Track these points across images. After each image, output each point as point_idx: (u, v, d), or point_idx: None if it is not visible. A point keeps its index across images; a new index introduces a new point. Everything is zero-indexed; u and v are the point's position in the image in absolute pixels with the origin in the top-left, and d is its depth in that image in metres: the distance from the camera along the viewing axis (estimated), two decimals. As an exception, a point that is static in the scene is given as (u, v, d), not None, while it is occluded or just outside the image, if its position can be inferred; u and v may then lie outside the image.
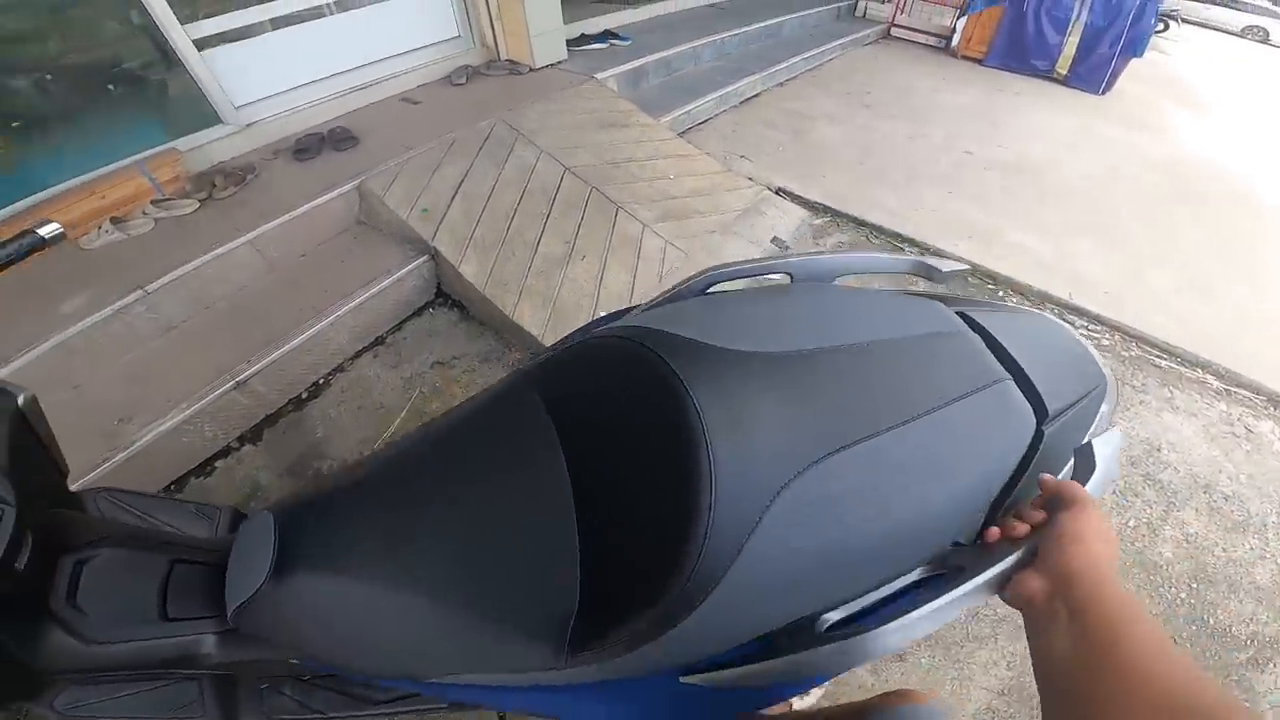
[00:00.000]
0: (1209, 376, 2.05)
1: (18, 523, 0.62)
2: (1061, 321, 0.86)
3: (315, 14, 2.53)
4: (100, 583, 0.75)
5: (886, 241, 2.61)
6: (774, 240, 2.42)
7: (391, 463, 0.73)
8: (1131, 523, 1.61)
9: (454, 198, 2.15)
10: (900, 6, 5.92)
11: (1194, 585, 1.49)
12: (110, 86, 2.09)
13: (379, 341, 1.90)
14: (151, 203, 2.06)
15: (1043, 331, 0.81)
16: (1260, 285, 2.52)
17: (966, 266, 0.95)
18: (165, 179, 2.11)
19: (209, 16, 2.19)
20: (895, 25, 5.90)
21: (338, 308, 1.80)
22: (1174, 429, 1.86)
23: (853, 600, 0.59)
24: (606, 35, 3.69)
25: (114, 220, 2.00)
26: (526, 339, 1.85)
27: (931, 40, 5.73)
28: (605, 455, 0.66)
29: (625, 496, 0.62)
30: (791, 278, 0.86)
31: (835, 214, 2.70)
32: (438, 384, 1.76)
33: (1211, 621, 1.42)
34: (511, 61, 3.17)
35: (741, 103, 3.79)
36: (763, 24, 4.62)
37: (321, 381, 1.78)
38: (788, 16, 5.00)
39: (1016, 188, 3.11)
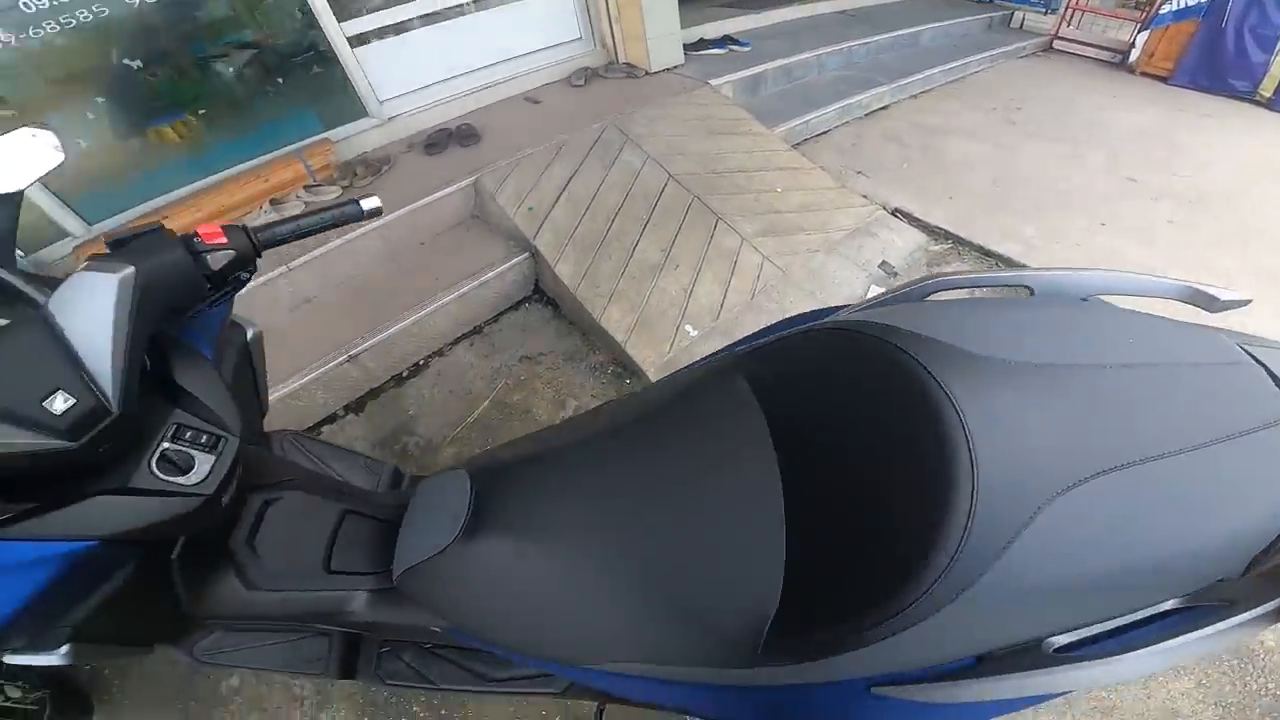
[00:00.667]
0: None
1: (234, 460, 0.65)
2: None
3: (457, 11, 2.72)
4: (278, 526, 0.80)
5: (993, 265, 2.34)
6: (882, 265, 2.24)
7: (591, 436, 0.73)
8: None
9: (559, 198, 2.22)
10: (1065, 18, 5.29)
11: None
12: (279, 79, 2.38)
13: (476, 331, 2.01)
14: (304, 188, 2.33)
15: None
16: None
17: (1249, 299, 0.77)
18: (318, 166, 2.38)
19: (361, 15, 2.43)
20: (1059, 38, 5.26)
21: (444, 296, 1.92)
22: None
23: (1086, 626, 0.54)
24: (725, 41, 3.63)
25: (273, 201, 2.28)
26: (610, 343, 1.86)
27: (1103, 55, 5.07)
28: (827, 450, 0.61)
29: (851, 496, 0.57)
30: (1031, 293, 0.75)
31: (958, 241, 2.44)
32: (522, 377, 1.83)
33: None
34: (629, 64, 3.21)
35: (866, 115, 3.56)
36: (897, 33, 4.31)
37: (421, 363, 1.91)
38: (928, 26, 4.62)
39: (1190, 224, 2.64)
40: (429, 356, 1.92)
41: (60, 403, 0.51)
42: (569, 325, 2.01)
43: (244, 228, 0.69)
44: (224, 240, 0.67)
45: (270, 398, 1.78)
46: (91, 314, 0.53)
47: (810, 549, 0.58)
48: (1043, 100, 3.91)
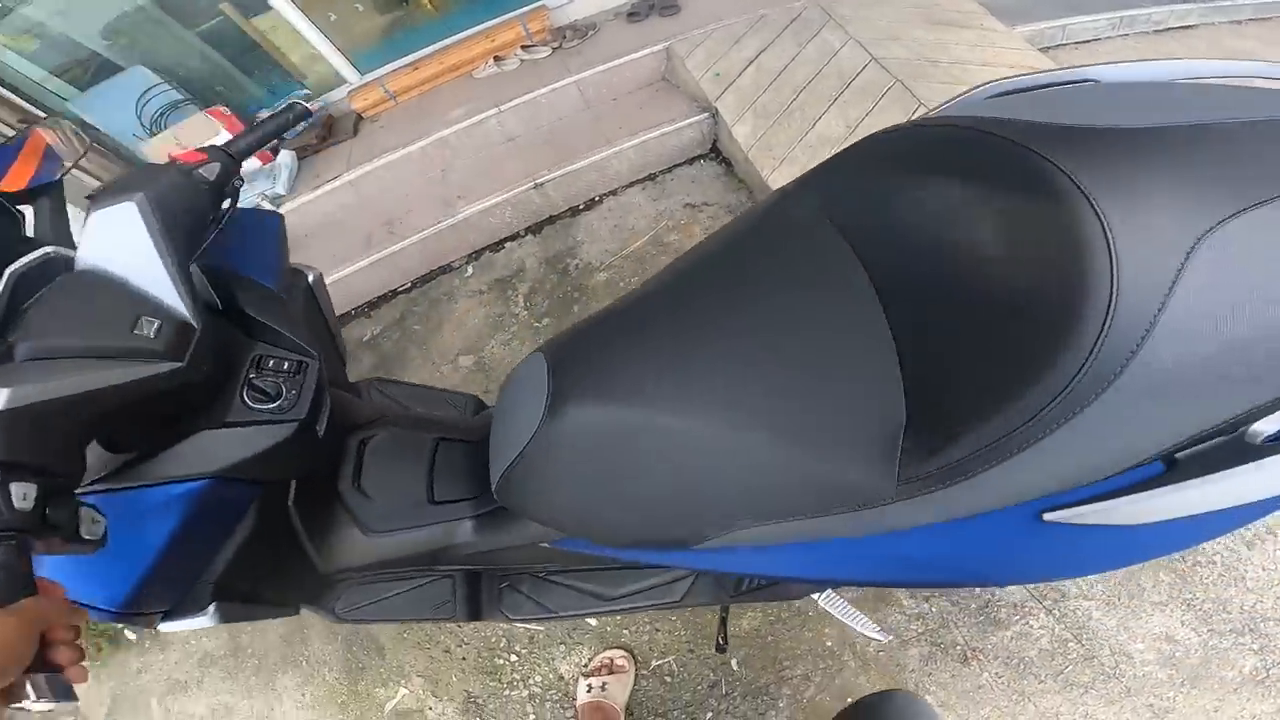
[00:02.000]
0: None
1: (319, 384, 0.65)
2: None
3: None
4: (379, 464, 0.79)
5: None
6: None
7: (666, 289, 0.67)
8: None
9: (747, 68, 2.20)
10: None
11: None
12: None
13: (649, 178, 2.15)
14: (521, 47, 2.60)
15: None
16: None
17: None
18: (534, 30, 2.63)
19: None
20: None
21: (625, 142, 2.07)
22: None
23: None
24: (970, -68, 3.17)
25: (495, 58, 2.59)
26: (774, 205, 1.86)
27: None
28: (920, 251, 0.54)
29: (961, 296, 0.50)
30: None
31: None
32: (683, 221, 1.93)
33: None
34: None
35: (1156, 32, 2.87)
36: None
37: (596, 199, 2.10)
38: None
39: None
40: (604, 195, 2.11)
41: (148, 326, 0.51)
42: (738, 183, 2.05)
43: (215, 146, 0.70)
44: (205, 158, 0.67)
45: (468, 211, 2.10)
46: (126, 244, 0.53)
47: (926, 358, 0.52)
48: None
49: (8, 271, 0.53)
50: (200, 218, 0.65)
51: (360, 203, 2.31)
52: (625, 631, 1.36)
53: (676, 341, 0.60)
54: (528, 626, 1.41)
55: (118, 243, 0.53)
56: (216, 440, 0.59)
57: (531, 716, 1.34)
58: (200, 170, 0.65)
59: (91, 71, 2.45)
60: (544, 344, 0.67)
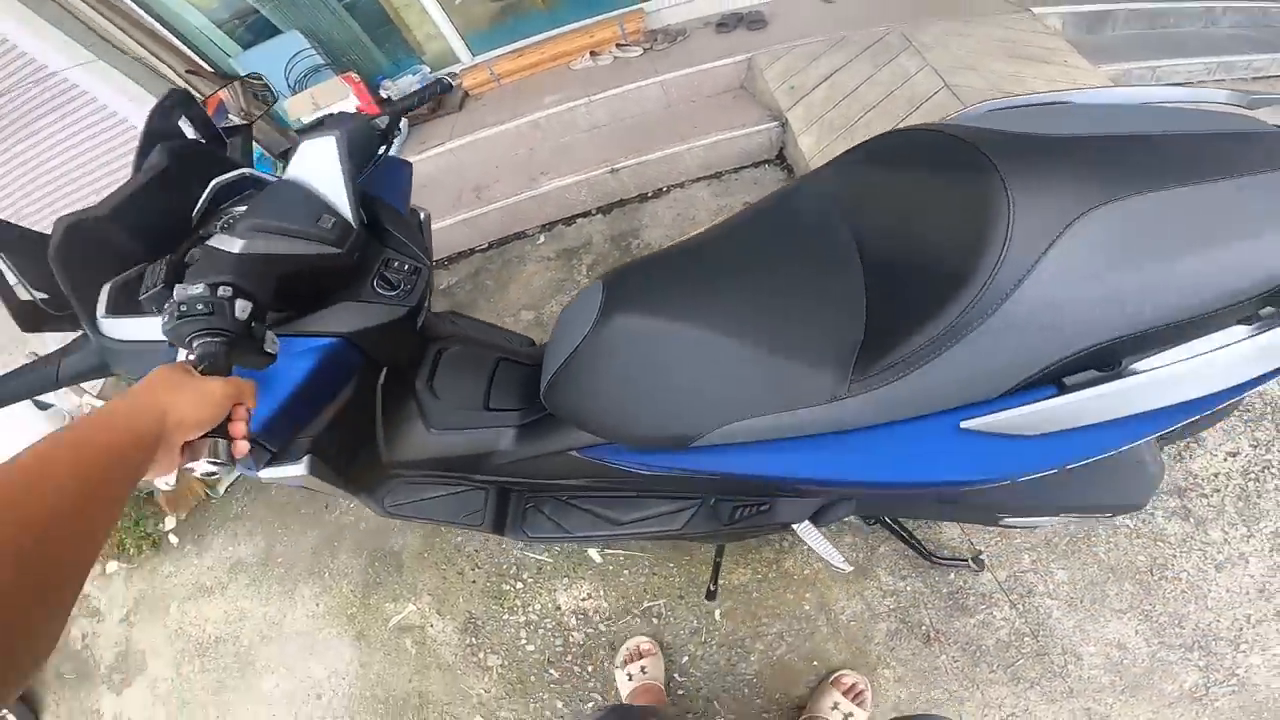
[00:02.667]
0: None
1: (426, 286, 0.85)
2: None
3: None
4: (449, 370, 0.98)
5: None
6: None
7: (702, 242, 0.87)
8: None
9: (821, 84, 2.33)
10: None
11: None
12: None
13: (716, 175, 2.33)
14: (616, 45, 2.83)
15: None
16: None
17: None
18: (630, 30, 2.85)
19: None
20: None
21: (698, 140, 2.26)
22: None
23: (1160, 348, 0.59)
24: (1076, -30, 3.14)
25: (591, 53, 2.83)
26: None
27: None
28: (891, 220, 0.74)
29: (912, 235, 0.69)
30: None
31: None
32: (738, 219, 2.11)
33: None
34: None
35: (1252, 79, 2.81)
36: None
37: (664, 189, 2.31)
38: None
39: None
40: (672, 186, 2.31)
41: (326, 222, 0.72)
42: (795, 191, 2.20)
43: (388, 99, 0.98)
44: (379, 111, 0.94)
45: (548, 187, 2.34)
46: (321, 166, 0.74)
47: (883, 297, 0.69)
48: None
49: (214, 181, 0.78)
50: (368, 155, 0.90)
51: (456, 168, 2.60)
52: (625, 573, 1.53)
53: (705, 278, 0.79)
54: (538, 557, 1.61)
55: (316, 164, 0.74)
56: (350, 310, 0.79)
57: (524, 640, 1.51)
58: (375, 120, 0.89)
59: (252, 28, 2.86)
60: (603, 274, 0.87)
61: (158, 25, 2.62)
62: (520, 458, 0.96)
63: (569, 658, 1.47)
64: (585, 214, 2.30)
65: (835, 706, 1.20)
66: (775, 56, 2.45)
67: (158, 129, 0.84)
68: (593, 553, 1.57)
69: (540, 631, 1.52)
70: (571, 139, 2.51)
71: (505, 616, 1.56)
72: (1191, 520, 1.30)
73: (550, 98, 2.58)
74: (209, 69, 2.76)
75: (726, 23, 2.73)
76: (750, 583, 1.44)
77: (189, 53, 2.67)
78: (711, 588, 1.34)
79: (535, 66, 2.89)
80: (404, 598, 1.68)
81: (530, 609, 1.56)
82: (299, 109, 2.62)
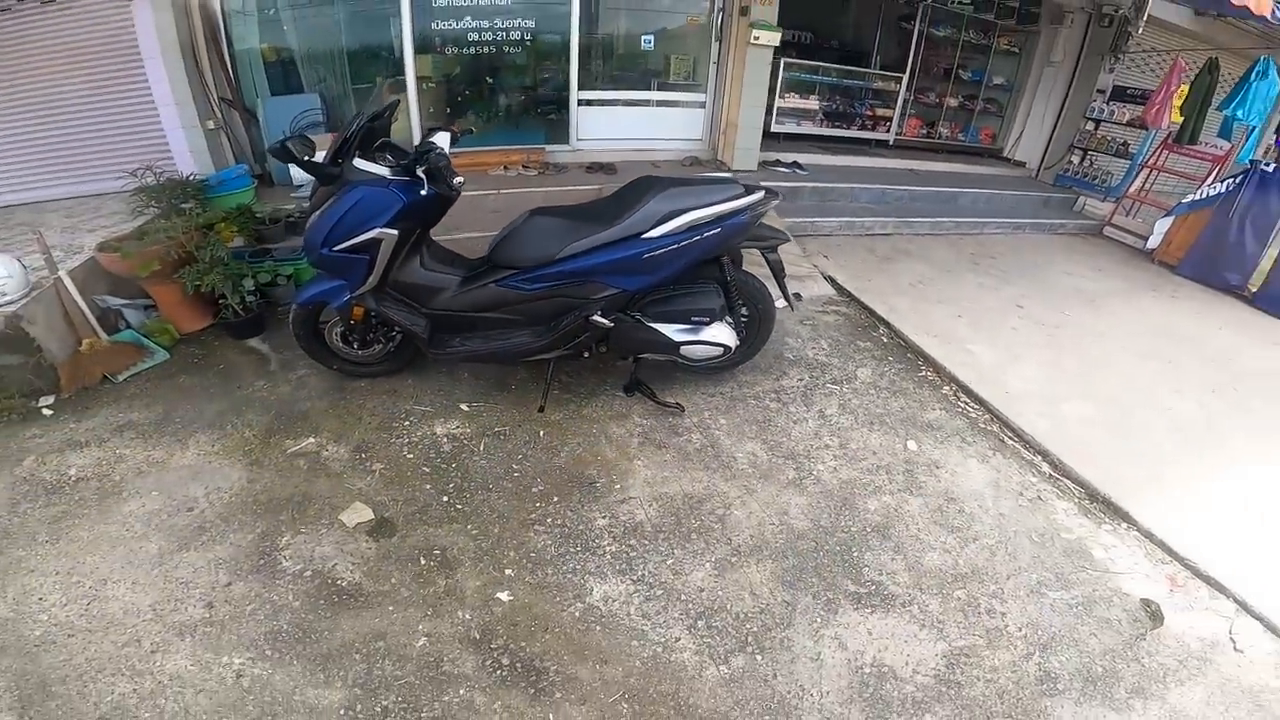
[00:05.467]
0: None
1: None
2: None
3: (644, 102, 4.91)
4: (438, 248, 2.47)
5: (871, 321, 3.61)
6: (795, 294, 3.71)
7: (568, 209, 2.47)
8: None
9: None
10: (1127, 207, 5.77)
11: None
12: (535, 110, 4.65)
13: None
14: (522, 165, 4.48)
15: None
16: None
17: (773, 197, 2.52)
18: (533, 159, 4.54)
19: (593, 89, 4.65)
20: (1110, 224, 5.79)
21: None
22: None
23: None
24: (794, 165, 5.48)
25: (505, 166, 4.45)
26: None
27: (1139, 244, 5.42)
28: (627, 196, 2.40)
29: (625, 201, 2.38)
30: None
31: (851, 298, 3.80)
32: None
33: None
34: (720, 162, 5.16)
35: (866, 234, 4.94)
36: (937, 189, 5.63)
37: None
38: (972, 190, 5.76)
39: (1029, 330, 3.66)
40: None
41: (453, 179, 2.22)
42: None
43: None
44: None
45: (459, 236, 3.76)
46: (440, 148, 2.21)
47: (616, 212, 2.34)
48: (1021, 260, 4.95)
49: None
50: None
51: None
52: (484, 414, 2.50)
53: (568, 210, 2.43)
54: (423, 408, 2.53)
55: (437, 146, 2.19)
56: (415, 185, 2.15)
57: (405, 452, 2.26)
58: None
59: (285, 82, 4.01)
60: (532, 209, 2.39)
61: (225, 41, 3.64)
62: (460, 293, 2.26)
63: (439, 459, 2.27)
64: (495, 258, 3.69)
65: None
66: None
67: (373, 111, 2.24)
68: (464, 406, 2.62)
69: (420, 447, 2.29)
70: (480, 214, 3.98)
71: (392, 440, 2.32)
72: (781, 400, 2.84)
73: (472, 187, 4.06)
74: (236, 98, 3.77)
75: (592, 168, 4.53)
76: (564, 419, 2.60)
77: (230, 76, 3.71)
78: (542, 404, 2.57)
79: (466, 166, 4.40)
80: (305, 435, 2.25)
81: (413, 435, 2.36)
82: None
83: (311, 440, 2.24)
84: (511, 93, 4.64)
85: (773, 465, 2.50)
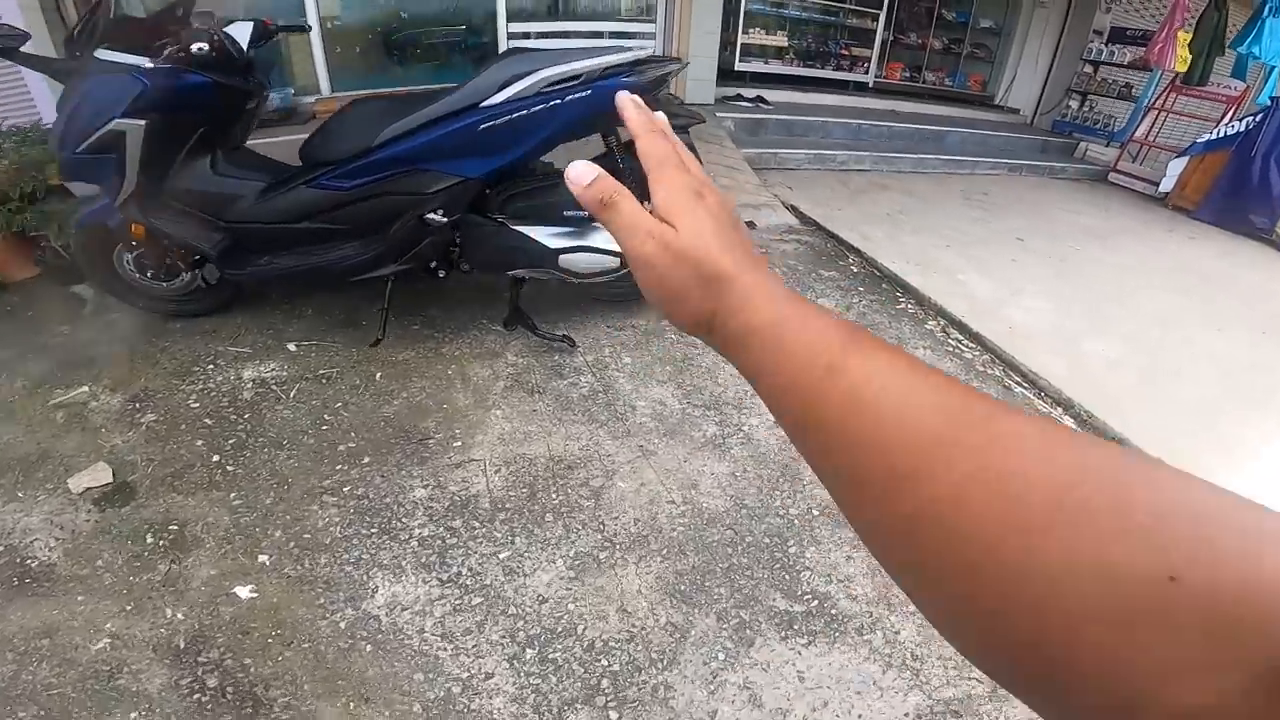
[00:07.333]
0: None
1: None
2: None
3: (583, 34, 4.18)
4: (244, 151, 1.93)
5: (839, 250, 2.99)
6: (749, 223, 3.03)
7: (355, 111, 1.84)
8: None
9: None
10: (1134, 153, 5.31)
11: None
12: (462, 49, 3.92)
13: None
14: (426, 90, 3.74)
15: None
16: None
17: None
18: (438, 82, 3.80)
19: (525, 21, 3.96)
20: (1116, 170, 5.30)
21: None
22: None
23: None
24: (758, 100, 4.78)
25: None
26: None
27: (1149, 189, 4.98)
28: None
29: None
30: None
31: (818, 227, 3.15)
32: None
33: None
34: (671, 94, 4.43)
35: (840, 169, 4.31)
36: (919, 126, 5.02)
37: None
38: (962, 130, 5.22)
39: (1032, 262, 3.10)
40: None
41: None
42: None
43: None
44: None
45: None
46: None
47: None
48: (1017, 196, 4.37)
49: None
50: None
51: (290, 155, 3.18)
52: (313, 355, 1.91)
53: (399, 98, 1.86)
54: (239, 349, 1.93)
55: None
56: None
57: (192, 401, 1.73)
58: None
59: None
60: (352, 100, 1.86)
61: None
62: (264, 200, 1.73)
63: (230, 410, 1.73)
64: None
65: None
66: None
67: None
68: (291, 346, 1.97)
69: (213, 395, 1.76)
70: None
71: (182, 387, 1.78)
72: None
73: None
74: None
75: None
76: (413, 359, 1.94)
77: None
78: (379, 336, 1.89)
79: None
80: (80, 384, 1.77)
81: (212, 381, 1.81)
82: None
83: (85, 389, 1.77)
84: (432, 26, 3.95)
85: (685, 418, 1.81)
